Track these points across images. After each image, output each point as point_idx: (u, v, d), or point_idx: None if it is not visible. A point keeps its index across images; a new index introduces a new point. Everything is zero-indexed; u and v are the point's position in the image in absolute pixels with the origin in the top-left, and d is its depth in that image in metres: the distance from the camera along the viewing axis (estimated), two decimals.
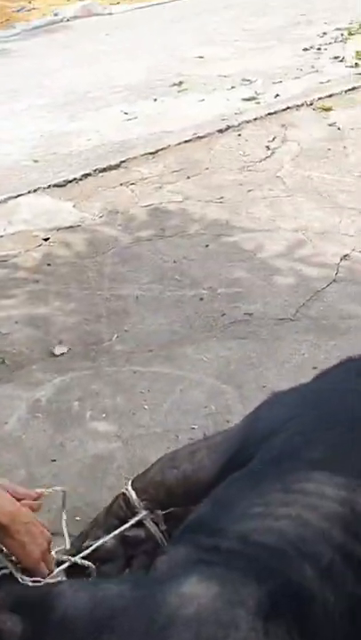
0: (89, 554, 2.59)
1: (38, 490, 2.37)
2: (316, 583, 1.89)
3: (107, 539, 2.65)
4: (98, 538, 2.70)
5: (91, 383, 3.93)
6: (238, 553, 1.99)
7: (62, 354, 4.13)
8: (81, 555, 2.62)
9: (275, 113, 7.09)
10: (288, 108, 7.18)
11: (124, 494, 2.80)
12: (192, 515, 2.35)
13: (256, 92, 7.66)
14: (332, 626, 1.86)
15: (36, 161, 6.51)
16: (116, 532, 2.67)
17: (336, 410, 2.41)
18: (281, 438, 2.36)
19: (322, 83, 7.82)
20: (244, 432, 2.60)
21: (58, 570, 2.52)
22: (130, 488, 2.79)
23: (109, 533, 2.72)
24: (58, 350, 4.16)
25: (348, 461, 2.18)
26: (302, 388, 2.79)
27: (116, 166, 6.23)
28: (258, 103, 7.42)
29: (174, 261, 4.97)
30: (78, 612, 1.90)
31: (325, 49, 8.84)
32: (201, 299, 4.60)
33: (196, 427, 3.59)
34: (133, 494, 2.76)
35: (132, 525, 2.72)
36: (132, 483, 2.82)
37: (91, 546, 2.65)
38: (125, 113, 7.41)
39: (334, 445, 2.25)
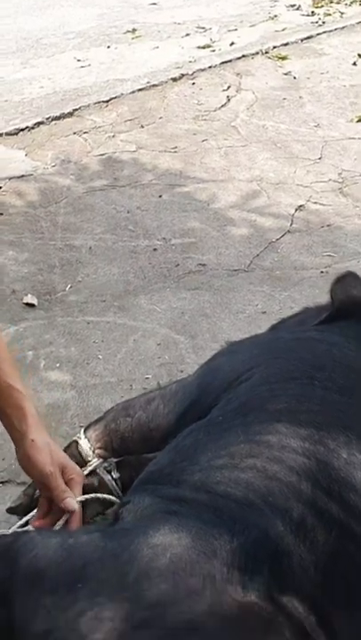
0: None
1: None
2: (290, 538, 1.90)
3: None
4: None
5: (44, 333, 3.90)
6: (206, 504, 1.98)
7: (29, 304, 4.10)
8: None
9: (230, 61, 7.02)
10: (243, 56, 7.11)
11: (76, 442, 2.80)
12: (151, 464, 2.34)
13: (211, 40, 7.57)
14: (309, 581, 1.87)
15: None
16: None
17: (297, 359, 2.40)
18: (244, 388, 2.35)
19: (277, 31, 7.75)
20: (202, 381, 2.59)
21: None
22: (82, 436, 2.79)
23: None
24: (26, 300, 4.13)
25: (310, 412, 2.18)
26: (261, 338, 2.80)
27: (69, 114, 6.13)
28: (213, 51, 7.33)
29: (128, 211, 4.94)
30: (48, 561, 1.89)
31: None
32: (155, 249, 4.58)
33: (149, 376, 3.60)
34: (86, 442, 2.76)
35: (85, 474, 2.73)
36: (85, 431, 2.81)
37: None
38: (78, 60, 7.29)
39: (297, 396, 2.25)
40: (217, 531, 1.90)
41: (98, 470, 2.75)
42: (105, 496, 2.70)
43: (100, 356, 3.75)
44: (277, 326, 2.97)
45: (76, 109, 6.21)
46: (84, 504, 2.72)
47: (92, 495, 2.67)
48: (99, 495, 2.69)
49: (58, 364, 3.70)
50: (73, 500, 2.49)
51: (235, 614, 1.77)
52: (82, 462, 2.77)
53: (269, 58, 7.12)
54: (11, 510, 2.75)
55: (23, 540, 1.97)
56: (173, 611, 1.76)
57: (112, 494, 2.75)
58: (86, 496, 2.63)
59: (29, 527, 2.53)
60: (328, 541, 1.91)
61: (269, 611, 1.80)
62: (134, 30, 7.99)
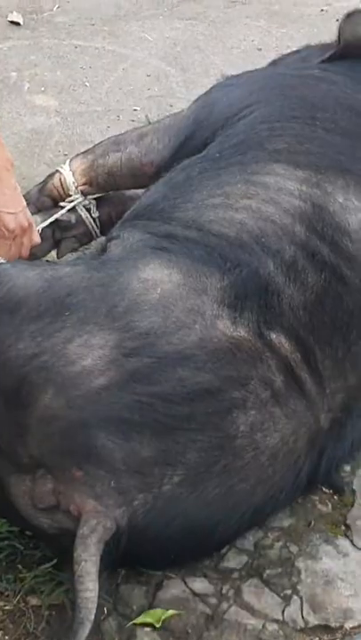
0: None
1: None
2: (280, 278, 1.91)
3: (40, 225, 2.60)
4: None
5: (29, 54, 3.74)
6: (197, 242, 1.97)
7: (14, 22, 3.90)
8: None
9: None
10: None
11: (59, 173, 2.72)
12: (143, 198, 2.29)
13: None
14: (296, 319, 1.90)
15: None
16: (48, 220, 2.62)
17: (299, 98, 2.31)
18: (243, 124, 2.27)
19: None
20: (198, 115, 2.49)
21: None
22: (67, 168, 2.71)
23: (40, 211, 2.69)
24: (11, 18, 3.93)
25: (310, 154, 2.13)
26: (261, 73, 2.68)
27: None
28: None
29: None
30: (27, 292, 1.87)
31: None
32: None
33: (138, 108, 3.50)
34: (70, 175, 2.68)
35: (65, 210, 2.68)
36: (70, 162, 2.73)
37: None
38: None
39: (297, 136, 2.18)
40: (208, 268, 1.91)
41: (77, 207, 2.70)
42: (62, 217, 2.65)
43: (87, 83, 3.62)
44: (278, 62, 2.84)
45: None
46: (58, 242, 2.70)
47: (55, 217, 2.64)
48: (57, 216, 2.65)
49: (43, 88, 3.58)
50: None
51: (224, 347, 1.81)
52: (62, 196, 2.70)
53: None
54: None
55: None
56: (164, 341, 1.79)
57: (90, 233, 2.73)
58: (50, 219, 2.61)
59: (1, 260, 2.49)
60: (318, 283, 1.94)
61: (257, 345, 1.85)
62: None
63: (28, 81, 3.60)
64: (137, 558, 1.89)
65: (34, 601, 1.94)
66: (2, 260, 2.26)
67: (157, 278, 1.88)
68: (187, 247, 1.97)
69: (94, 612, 1.65)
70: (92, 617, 1.64)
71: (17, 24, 3.91)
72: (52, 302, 1.84)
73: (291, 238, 1.97)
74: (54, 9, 4.04)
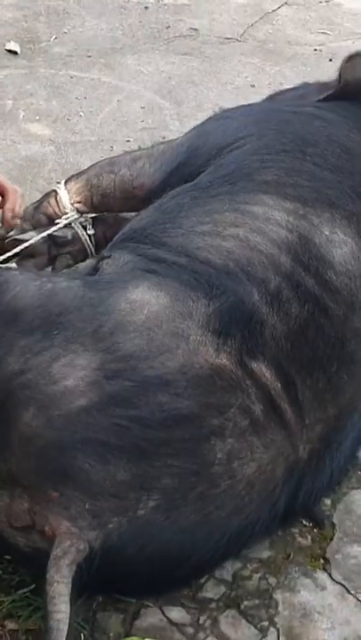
0: (13, 246, 2.59)
1: None
2: (264, 307, 1.93)
3: (36, 237, 2.63)
4: (24, 231, 2.69)
5: (25, 83, 3.78)
6: (185, 267, 1.99)
7: (11, 51, 3.94)
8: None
9: None
10: None
11: (55, 192, 2.76)
12: (134, 222, 2.32)
13: None
14: (278, 349, 1.91)
15: None
16: (45, 233, 2.65)
17: (291, 132, 2.34)
18: (235, 155, 2.30)
19: None
20: (192, 143, 2.52)
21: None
22: (63, 187, 2.75)
23: (36, 228, 2.72)
24: (8, 46, 3.96)
25: (298, 187, 2.16)
26: (257, 107, 2.71)
27: None
28: None
29: None
30: (26, 304, 1.90)
31: None
32: (146, 7, 4.39)
33: (131, 139, 3.53)
34: (66, 194, 2.72)
35: (61, 226, 2.71)
36: (66, 182, 2.77)
37: (15, 236, 2.64)
38: None
39: (287, 169, 2.21)
40: (195, 293, 1.92)
41: (73, 224, 2.73)
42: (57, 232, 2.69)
43: (82, 114, 3.65)
44: (275, 97, 2.88)
45: None
46: (54, 258, 2.72)
47: (52, 230, 2.67)
48: (54, 229, 2.68)
49: (38, 117, 3.61)
50: None
51: (205, 374, 1.82)
52: (58, 214, 2.74)
53: None
54: None
55: (5, 277, 1.97)
56: (145, 365, 1.80)
57: (85, 250, 2.75)
58: (48, 231, 2.63)
59: (13, 264, 2.52)
60: (301, 314, 1.95)
61: (238, 374, 1.85)
62: None
63: (23, 109, 3.64)
64: (112, 584, 1.88)
65: (11, 625, 1.92)
66: (13, 265, 2.31)
67: (145, 300, 1.90)
68: (175, 271, 1.99)
69: (65, 633, 1.64)
70: (64, 639, 1.63)
71: (14, 53, 3.95)
72: (44, 318, 1.87)
73: (276, 268, 1.99)
74: (51, 39, 4.08)
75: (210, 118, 2.67)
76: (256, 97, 3.48)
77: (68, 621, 1.64)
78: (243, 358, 1.87)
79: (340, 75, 2.60)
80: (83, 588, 1.74)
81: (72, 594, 1.68)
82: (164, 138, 3.48)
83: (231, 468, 1.81)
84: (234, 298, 1.92)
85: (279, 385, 1.90)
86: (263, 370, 1.89)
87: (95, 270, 2.15)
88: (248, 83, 3.95)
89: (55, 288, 1.94)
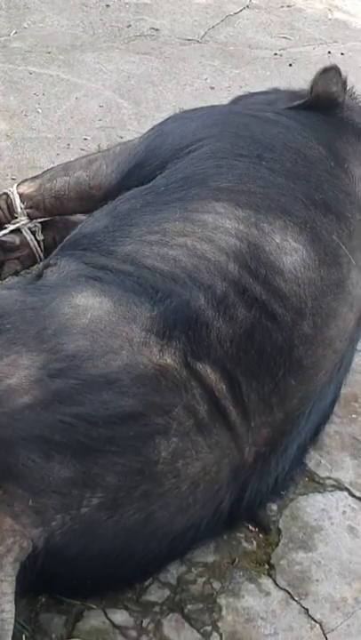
0: None
1: None
2: (210, 311, 1.94)
3: None
4: None
5: None
6: (130, 274, 2.00)
7: None
8: None
9: None
10: None
11: (7, 195, 2.73)
12: (83, 226, 2.30)
13: None
14: (224, 352, 1.92)
15: None
16: None
17: (249, 137, 2.35)
18: (190, 159, 2.30)
19: None
20: (150, 144, 2.51)
21: None
22: (14, 190, 2.72)
23: None
24: None
25: (252, 194, 2.17)
26: (217, 109, 2.71)
27: None
28: None
29: None
30: None
31: None
32: (107, 5, 4.38)
33: (88, 138, 3.51)
34: (17, 197, 2.70)
35: (9, 231, 2.69)
36: (18, 186, 2.74)
37: None
38: None
39: (241, 175, 2.22)
40: (138, 298, 1.94)
41: (22, 230, 2.71)
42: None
43: (40, 110, 3.63)
44: (242, 99, 2.87)
45: None
46: (1, 264, 2.70)
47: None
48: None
49: None
50: None
51: (149, 374, 1.83)
52: (8, 218, 2.71)
53: None
54: None
55: None
56: (90, 364, 1.81)
57: (34, 256, 2.73)
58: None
59: None
60: (247, 318, 1.96)
61: (183, 374, 1.86)
62: None
63: None
64: (55, 583, 1.87)
65: None
66: None
67: (89, 304, 1.91)
68: (120, 278, 2.00)
69: (11, 634, 1.63)
70: (9, 639, 1.62)
71: None
72: None
73: (223, 275, 2.00)
74: (11, 34, 4.05)
75: (169, 118, 2.67)
76: (215, 99, 3.48)
77: (13, 621, 1.63)
78: (187, 359, 1.88)
79: (312, 86, 2.61)
80: (26, 588, 1.73)
81: (16, 593, 1.67)
82: (121, 137, 3.48)
83: (175, 467, 1.82)
84: (178, 301, 1.94)
85: (224, 386, 1.91)
86: (208, 371, 1.90)
87: (38, 277, 2.13)
88: (207, 85, 3.95)
89: None
